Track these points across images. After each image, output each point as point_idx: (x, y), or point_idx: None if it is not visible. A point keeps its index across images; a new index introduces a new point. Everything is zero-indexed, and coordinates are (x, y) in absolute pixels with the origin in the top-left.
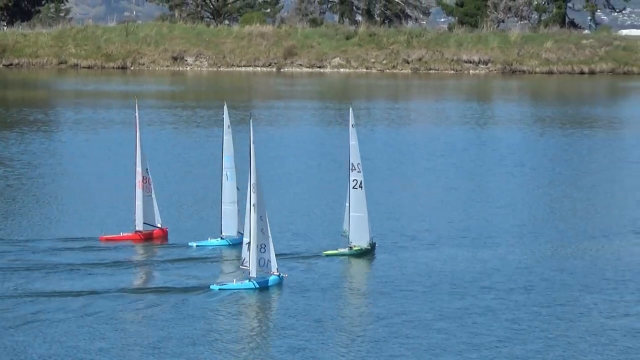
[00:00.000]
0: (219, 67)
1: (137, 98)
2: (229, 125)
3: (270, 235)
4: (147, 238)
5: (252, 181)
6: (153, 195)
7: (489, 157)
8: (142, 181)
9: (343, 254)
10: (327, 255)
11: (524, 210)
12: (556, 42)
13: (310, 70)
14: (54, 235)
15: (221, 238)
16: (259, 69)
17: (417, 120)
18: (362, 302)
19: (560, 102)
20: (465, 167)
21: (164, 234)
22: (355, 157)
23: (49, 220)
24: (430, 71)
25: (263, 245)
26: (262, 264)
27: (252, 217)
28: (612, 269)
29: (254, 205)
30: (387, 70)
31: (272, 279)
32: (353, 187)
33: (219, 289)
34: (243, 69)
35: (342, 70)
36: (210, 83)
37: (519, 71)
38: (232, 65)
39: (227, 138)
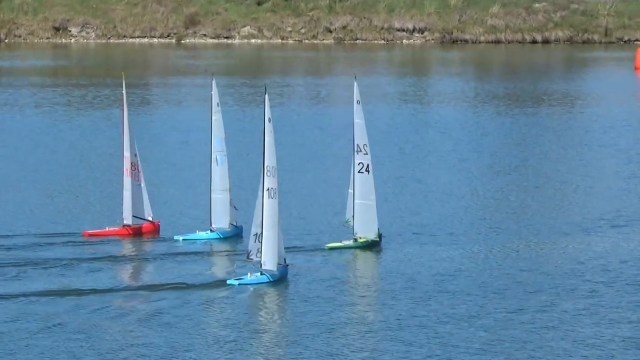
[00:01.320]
0: (109, 38)
1: (124, 74)
2: (218, 103)
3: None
4: (136, 233)
5: (267, 163)
6: (143, 184)
7: (437, 142)
8: (131, 168)
9: (348, 247)
10: (331, 249)
11: (484, 203)
12: (504, 6)
13: (215, 41)
14: (30, 230)
15: (211, 230)
16: (155, 40)
17: (345, 98)
18: (367, 306)
19: (510, 76)
20: (411, 154)
21: (156, 229)
22: (360, 138)
23: (25, 214)
24: (357, 41)
25: (279, 236)
26: (280, 255)
27: (267, 204)
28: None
29: (268, 190)
30: (307, 41)
31: (280, 270)
32: (358, 172)
33: (239, 284)
34: (137, 40)
35: (253, 41)
36: (99, 57)
37: (461, 40)
38: (124, 36)
39: (217, 118)
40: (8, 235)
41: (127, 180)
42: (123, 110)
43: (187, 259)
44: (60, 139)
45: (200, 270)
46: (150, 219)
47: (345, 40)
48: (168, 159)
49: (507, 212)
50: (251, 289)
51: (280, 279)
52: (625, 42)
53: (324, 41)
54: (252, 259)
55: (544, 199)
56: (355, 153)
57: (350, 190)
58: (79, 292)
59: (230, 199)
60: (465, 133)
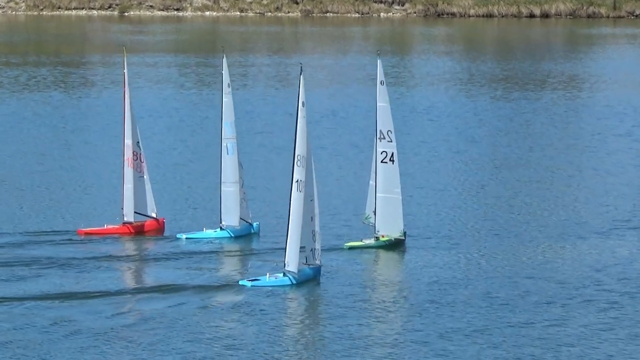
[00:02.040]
0: (41, 10)
1: (125, 49)
2: (229, 84)
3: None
4: (137, 231)
5: (298, 152)
6: (146, 177)
7: (428, 131)
8: (133, 158)
9: (368, 246)
10: (350, 248)
11: (492, 202)
12: None
13: (164, 14)
14: (21, 228)
15: (221, 228)
16: (95, 12)
17: (319, 80)
18: (390, 319)
19: (507, 55)
20: (403, 144)
21: (160, 226)
22: (384, 123)
23: (17, 211)
24: (327, 14)
25: (313, 233)
26: (313, 255)
27: (294, 198)
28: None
29: (297, 182)
30: (269, 14)
31: (306, 271)
32: (381, 161)
33: (252, 286)
34: (74, 12)
35: (207, 13)
36: (30, 32)
37: (447, 14)
38: (59, 7)
39: (227, 100)
40: None
41: (128, 172)
42: (124, 92)
43: (195, 259)
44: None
45: (208, 270)
46: (154, 215)
47: (313, 13)
48: (170, 148)
49: (519, 213)
50: (265, 291)
51: (307, 281)
52: (636, 16)
53: (290, 14)
54: (308, 263)
55: (553, 197)
56: (378, 140)
57: (372, 182)
58: (75, 296)
59: (244, 193)
60: (460, 121)
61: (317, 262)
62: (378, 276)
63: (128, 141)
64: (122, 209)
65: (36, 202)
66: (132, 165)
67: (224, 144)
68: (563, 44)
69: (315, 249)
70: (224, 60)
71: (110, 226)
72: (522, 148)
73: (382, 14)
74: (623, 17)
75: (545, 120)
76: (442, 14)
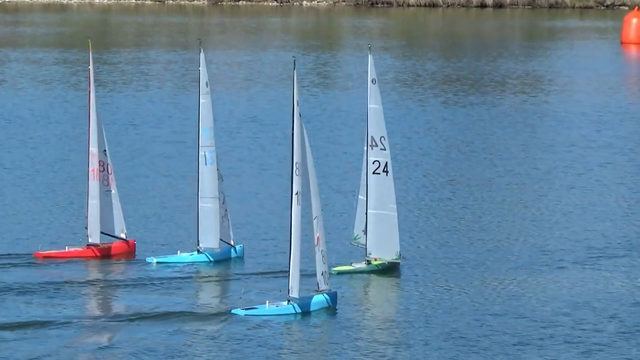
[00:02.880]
0: None
1: (90, 41)
2: (207, 83)
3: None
4: (103, 254)
5: (296, 160)
6: (114, 191)
7: (356, 139)
8: (99, 169)
9: (359, 271)
10: (338, 273)
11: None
12: None
13: (45, 1)
14: None
15: (198, 251)
16: None
17: (232, 80)
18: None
19: (456, 52)
20: (333, 156)
21: (130, 249)
22: (376, 128)
23: None
24: (239, 3)
25: (322, 254)
26: (324, 280)
27: (294, 212)
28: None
29: (297, 194)
30: (170, 2)
31: (317, 299)
32: (373, 172)
33: (245, 315)
34: None
35: (97, 1)
36: None
37: (383, 3)
38: None
39: (205, 102)
40: None
41: (93, 185)
42: (89, 92)
43: (175, 285)
44: None
45: (193, 297)
46: (123, 236)
47: (223, 1)
48: (137, 157)
49: (479, 239)
50: (262, 320)
51: (317, 310)
52: (607, 7)
53: (195, 2)
54: (320, 288)
55: (519, 221)
56: (369, 148)
57: (362, 197)
58: (32, 325)
59: (225, 210)
60: (407, 129)
61: (328, 287)
62: (368, 307)
63: (93, 149)
64: (87, 228)
65: None
66: (97, 177)
67: (201, 153)
68: (522, 38)
69: (325, 272)
70: (201, 55)
71: (73, 249)
72: (482, 162)
73: (304, 3)
74: (591, 7)
75: (508, 129)
76: (377, 3)
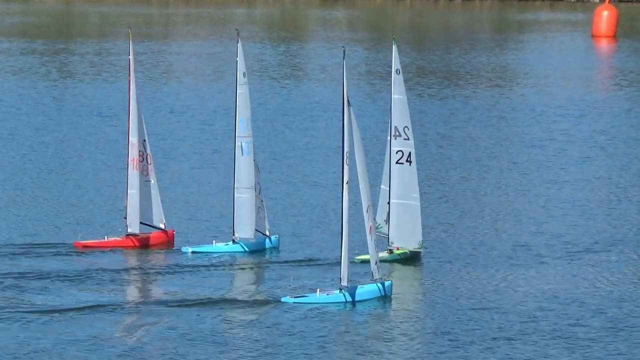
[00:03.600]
0: None
1: (130, 29)
2: (244, 74)
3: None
4: (142, 244)
5: (347, 149)
6: (154, 181)
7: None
8: (139, 159)
9: (381, 260)
10: (361, 262)
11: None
12: None
13: None
14: (15, 240)
15: (233, 241)
16: None
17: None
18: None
19: (426, 45)
20: (301, 147)
21: (169, 239)
22: (400, 118)
23: (10, 222)
24: None
25: (375, 244)
26: (378, 269)
27: (345, 202)
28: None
29: (348, 184)
30: None
31: (370, 288)
32: (397, 162)
33: (293, 303)
34: None
35: None
36: None
37: None
38: None
39: (242, 92)
40: None
41: (133, 175)
42: (129, 82)
43: (218, 273)
44: None
45: (243, 285)
46: (162, 226)
47: None
48: (177, 148)
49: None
50: (305, 309)
51: (370, 300)
52: (577, 0)
53: None
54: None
55: (501, 215)
56: (393, 138)
57: (384, 187)
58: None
59: (261, 200)
60: (373, 123)
61: (381, 276)
62: (389, 299)
63: (133, 139)
64: (126, 218)
65: (27, 211)
66: (137, 167)
67: (237, 143)
68: (493, 31)
69: (377, 261)
70: (239, 46)
71: (112, 238)
72: (450, 152)
73: None
74: (561, 0)
75: (484, 123)
76: None
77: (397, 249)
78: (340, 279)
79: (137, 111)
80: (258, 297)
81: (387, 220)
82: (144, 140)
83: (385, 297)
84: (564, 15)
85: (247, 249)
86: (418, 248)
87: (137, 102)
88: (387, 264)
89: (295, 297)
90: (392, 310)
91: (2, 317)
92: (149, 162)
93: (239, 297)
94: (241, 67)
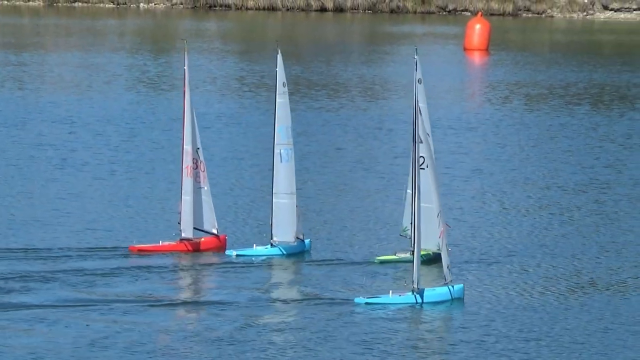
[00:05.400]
0: None
1: (185, 41)
2: (284, 83)
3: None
4: (196, 249)
5: (421, 153)
6: (207, 187)
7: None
8: (192, 166)
9: (403, 260)
10: (382, 262)
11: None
12: None
13: None
14: (71, 243)
15: (272, 245)
16: None
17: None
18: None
19: (295, 57)
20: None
21: (221, 244)
22: (423, 126)
23: (61, 225)
24: (75, 4)
25: (447, 247)
26: (449, 272)
27: (417, 207)
28: None
29: (418, 187)
30: (5, 2)
31: (442, 290)
32: (420, 167)
33: (366, 303)
34: None
35: None
36: None
37: (221, 6)
38: None
39: (282, 101)
40: (29, 249)
41: (187, 182)
42: (184, 90)
43: (288, 273)
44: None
45: (317, 285)
46: (215, 231)
47: (59, 2)
48: (220, 154)
49: None
50: (383, 309)
51: (442, 302)
52: (449, 12)
53: (30, 3)
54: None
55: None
56: (417, 144)
57: (409, 191)
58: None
59: (296, 206)
60: (252, 132)
61: (451, 279)
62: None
63: (187, 147)
64: (179, 223)
65: (84, 215)
66: (191, 174)
67: (276, 151)
68: (365, 43)
69: (449, 264)
70: (279, 55)
71: (166, 243)
72: (331, 170)
73: (142, 5)
74: (433, 12)
75: (357, 134)
76: (214, 6)
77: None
78: (413, 281)
79: (191, 119)
80: (334, 297)
81: (412, 223)
82: (198, 148)
83: (456, 300)
84: (436, 28)
85: (285, 252)
86: (439, 250)
87: (191, 110)
88: (407, 264)
89: (368, 298)
90: (464, 314)
91: (68, 312)
92: (202, 170)
93: (318, 297)
94: (281, 76)
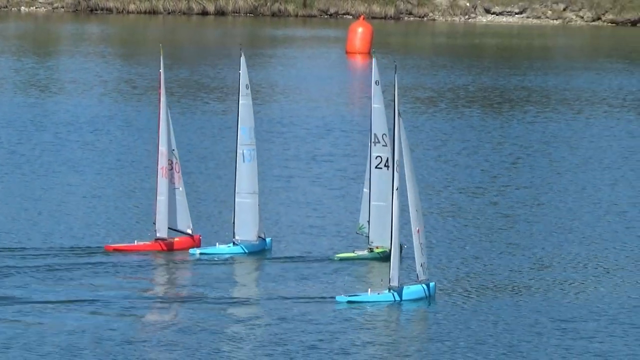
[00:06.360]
0: None
1: (161, 45)
2: (247, 85)
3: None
4: (170, 248)
5: (397, 158)
6: (182, 188)
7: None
8: (168, 167)
9: (361, 258)
10: (341, 259)
11: None
12: None
13: None
14: (40, 244)
15: (233, 244)
16: None
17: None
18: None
19: (175, 60)
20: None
21: (196, 244)
22: (379, 126)
23: (41, 226)
24: None
25: (421, 246)
26: (423, 271)
27: (397, 206)
28: None
29: (397, 189)
30: None
31: (416, 289)
32: (376, 167)
33: (347, 302)
34: None
35: None
36: None
37: (103, 9)
38: None
39: (245, 102)
40: (12, 248)
41: (162, 183)
42: (159, 94)
43: (261, 273)
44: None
45: (302, 283)
46: (189, 231)
47: None
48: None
49: None
50: (362, 306)
51: (416, 300)
52: (330, 15)
53: None
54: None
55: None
56: (372, 144)
57: (366, 190)
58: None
59: (257, 205)
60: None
61: (426, 277)
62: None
63: (162, 148)
64: (154, 223)
65: (59, 215)
66: (166, 175)
67: (239, 151)
68: (247, 46)
69: (424, 263)
70: (242, 59)
71: (141, 242)
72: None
73: (22, 8)
74: (315, 16)
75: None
76: (96, 10)
77: (377, 247)
78: (390, 279)
79: (166, 121)
80: (315, 295)
81: (369, 221)
82: (173, 150)
83: (429, 298)
84: (318, 32)
85: (246, 250)
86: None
87: (167, 112)
88: (365, 261)
89: (349, 296)
90: (436, 312)
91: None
92: (177, 171)
93: (298, 295)
94: (244, 78)
